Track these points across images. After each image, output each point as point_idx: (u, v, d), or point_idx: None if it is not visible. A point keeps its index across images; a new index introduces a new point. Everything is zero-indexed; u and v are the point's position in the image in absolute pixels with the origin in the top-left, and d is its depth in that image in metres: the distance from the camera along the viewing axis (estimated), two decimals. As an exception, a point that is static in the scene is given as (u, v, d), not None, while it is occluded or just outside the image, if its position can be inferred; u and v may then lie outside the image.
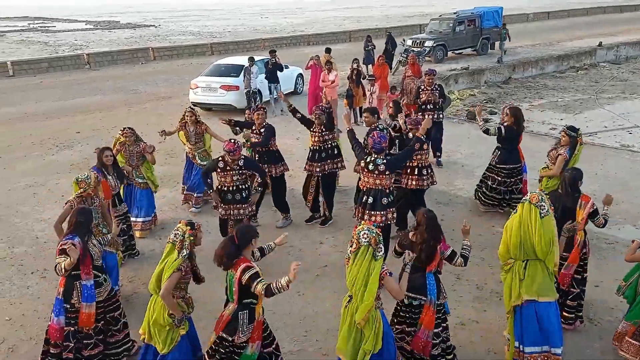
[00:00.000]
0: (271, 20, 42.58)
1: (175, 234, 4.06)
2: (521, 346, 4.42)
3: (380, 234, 3.92)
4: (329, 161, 7.21)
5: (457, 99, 16.18)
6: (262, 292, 3.82)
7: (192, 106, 7.55)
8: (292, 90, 15.50)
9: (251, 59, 13.47)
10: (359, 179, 6.19)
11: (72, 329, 4.44)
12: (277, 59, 13.50)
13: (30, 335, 5.28)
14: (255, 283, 3.82)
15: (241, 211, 6.30)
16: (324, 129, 7.20)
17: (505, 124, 7.13)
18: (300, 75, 15.84)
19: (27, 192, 8.90)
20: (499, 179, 7.33)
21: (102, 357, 4.60)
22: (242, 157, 6.26)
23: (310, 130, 7.31)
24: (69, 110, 14.48)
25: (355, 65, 12.51)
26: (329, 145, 7.22)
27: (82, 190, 5.14)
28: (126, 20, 44.20)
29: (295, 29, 34.17)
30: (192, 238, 4.07)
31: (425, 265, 4.24)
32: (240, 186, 6.28)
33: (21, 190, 9.00)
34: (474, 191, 7.90)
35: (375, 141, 5.58)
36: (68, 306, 4.40)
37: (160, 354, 4.10)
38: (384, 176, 5.61)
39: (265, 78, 13.52)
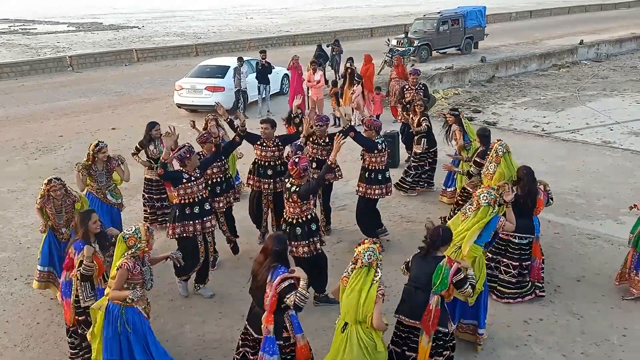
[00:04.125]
0: (256, 20, 42.44)
1: (368, 254, 3.74)
2: None
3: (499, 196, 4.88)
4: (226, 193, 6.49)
5: (442, 98, 16.30)
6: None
7: (100, 141, 6.24)
8: (278, 90, 15.49)
9: (240, 59, 13.45)
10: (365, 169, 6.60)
11: None
12: (264, 61, 13.43)
13: (14, 342, 5.20)
14: (467, 282, 4.07)
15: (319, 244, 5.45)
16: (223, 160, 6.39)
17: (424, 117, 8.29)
18: (286, 76, 15.80)
19: (10, 197, 8.77)
20: (422, 163, 8.33)
21: None
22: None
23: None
24: (52, 114, 14.30)
25: (348, 65, 12.45)
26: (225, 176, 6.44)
27: (132, 249, 4.16)
28: (109, 21, 43.71)
29: (280, 29, 34.11)
30: (381, 256, 3.84)
31: (531, 211, 5.42)
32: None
33: (4, 195, 8.87)
34: (397, 185, 8.28)
35: (378, 125, 6.63)
36: (281, 342, 4.02)
37: None
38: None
39: (256, 78, 13.53)
